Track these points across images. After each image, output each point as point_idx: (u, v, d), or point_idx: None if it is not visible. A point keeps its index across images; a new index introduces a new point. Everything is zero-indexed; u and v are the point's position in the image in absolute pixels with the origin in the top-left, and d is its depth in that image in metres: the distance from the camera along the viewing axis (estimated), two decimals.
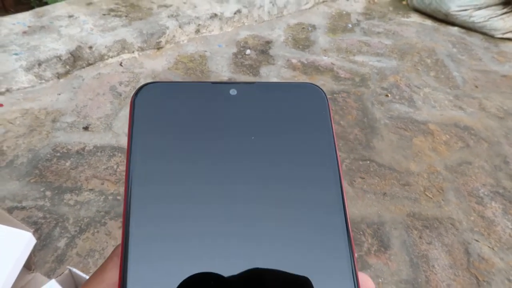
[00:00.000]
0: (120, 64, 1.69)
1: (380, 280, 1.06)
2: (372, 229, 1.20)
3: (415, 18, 2.61)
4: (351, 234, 0.17)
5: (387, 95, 1.80)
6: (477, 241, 1.20)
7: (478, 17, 2.40)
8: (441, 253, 1.15)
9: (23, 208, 1.09)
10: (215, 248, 0.16)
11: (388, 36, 2.33)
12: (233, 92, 0.19)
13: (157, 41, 1.79)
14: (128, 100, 1.50)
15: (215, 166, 0.17)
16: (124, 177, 1.15)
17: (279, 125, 0.19)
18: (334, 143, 0.19)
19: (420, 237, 1.19)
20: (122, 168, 1.24)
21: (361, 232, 1.18)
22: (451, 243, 1.19)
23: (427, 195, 1.33)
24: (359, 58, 2.06)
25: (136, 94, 0.19)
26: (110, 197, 1.15)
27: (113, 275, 0.17)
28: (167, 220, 0.17)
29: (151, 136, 0.18)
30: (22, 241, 0.88)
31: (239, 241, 0.16)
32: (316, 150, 0.19)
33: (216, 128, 0.18)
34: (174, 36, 1.86)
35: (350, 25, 2.40)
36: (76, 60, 1.59)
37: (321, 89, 0.21)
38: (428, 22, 2.57)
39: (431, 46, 2.27)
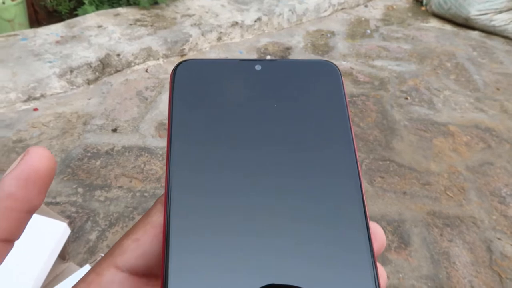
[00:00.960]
0: (146, 71, 1.77)
1: (400, 275, 1.07)
2: (392, 226, 1.21)
3: (434, 23, 2.62)
4: (368, 219, 0.19)
5: (406, 98, 1.81)
6: (499, 239, 1.19)
7: (499, 20, 2.39)
8: (463, 251, 1.15)
9: (57, 203, 1.15)
10: (246, 220, 0.17)
11: (407, 41, 2.35)
12: (258, 67, 0.22)
13: (181, 48, 1.87)
14: (154, 104, 1.57)
15: (247, 138, 0.20)
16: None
17: (297, 97, 0.21)
18: (348, 114, 0.21)
19: (441, 235, 1.19)
20: (149, 167, 1.30)
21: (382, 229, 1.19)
22: (473, 241, 1.19)
23: (448, 194, 1.33)
24: (378, 63, 2.08)
25: (174, 71, 0.21)
26: (137, 194, 1.20)
27: (157, 218, 0.19)
28: (206, 179, 0.18)
29: (190, 109, 0.20)
30: (58, 230, 0.93)
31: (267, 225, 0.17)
32: (330, 120, 0.21)
33: (245, 100, 0.21)
34: (197, 43, 1.93)
35: (369, 31, 2.43)
36: (105, 67, 1.67)
37: (335, 65, 0.24)
38: (448, 27, 2.57)
39: (451, 50, 2.27)
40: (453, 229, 1.21)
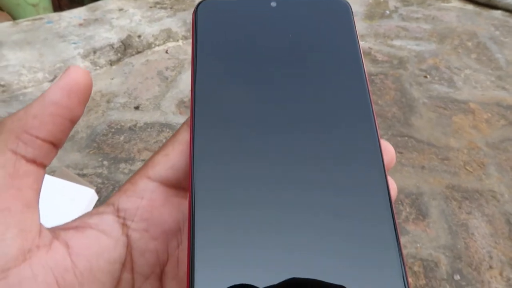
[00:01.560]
0: (166, 52, 1.80)
1: (418, 245, 1.09)
2: (410, 199, 1.22)
3: (455, 3, 2.57)
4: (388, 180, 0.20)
5: (425, 76, 1.80)
6: None
7: None
8: (481, 223, 1.16)
9: (84, 175, 1.20)
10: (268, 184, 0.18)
11: (427, 21, 2.31)
12: (273, 4, 0.23)
13: None
14: (174, 83, 1.61)
15: (266, 79, 0.21)
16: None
17: (310, 33, 0.22)
18: (359, 49, 0.22)
19: (460, 207, 1.20)
20: None
21: (399, 202, 1.20)
22: (492, 213, 1.18)
23: (467, 169, 1.33)
24: (397, 43, 2.06)
25: (196, 10, 0.22)
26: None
27: (184, 136, 0.21)
28: (229, 108, 0.20)
29: (212, 47, 0.21)
30: (86, 196, 0.98)
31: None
32: (343, 56, 0.22)
33: (263, 38, 0.22)
34: None
35: (387, 12, 2.40)
36: (126, 48, 1.71)
37: (347, 2, 0.25)
38: (469, 7, 2.52)
39: (472, 30, 2.23)
40: (472, 202, 1.22)
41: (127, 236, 0.18)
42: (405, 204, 1.20)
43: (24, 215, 0.15)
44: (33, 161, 0.16)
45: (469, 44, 2.09)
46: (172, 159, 0.20)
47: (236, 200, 0.17)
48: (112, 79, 1.62)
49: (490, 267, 1.04)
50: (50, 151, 0.17)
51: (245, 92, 0.20)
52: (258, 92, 0.20)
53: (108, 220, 0.18)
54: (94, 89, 1.56)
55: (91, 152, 1.28)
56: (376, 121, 0.21)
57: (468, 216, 1.17)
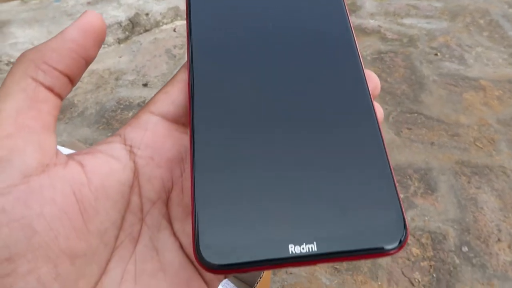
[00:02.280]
0: (174, 30, 1.79)
1: (426, 218, 1.09)
2: (419, 174, 1.21)
3: None
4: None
5: (436, 54, 1.77)
6: None
7: None
8: (491, 197, 1.15)
9: None
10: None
11: None
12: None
13: None
14: (183, 61, 1.60)
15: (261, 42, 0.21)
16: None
17: (301, 8, 0.23)
18: (348, 16, 0.22)
19: (469, 182, 1.19)
20: None
21: (407, 177, 1.20)
22: (502, 188, 1.18)
23: (477, 145, 1.32)
24: (407, 21, 2.03)
25: None
26: None
27: (184, 76, 0.21)
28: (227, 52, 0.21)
29: (207, 18, 0.22)
30: None
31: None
32: (332, 22, 0.22)
33: (255, 13, 0.22)
34: None
35: None
36: (134, 26, 1.71)
37: None
38: None
39: (485, 7, 2.19)
40: (481, 177, 1.21)
41: (134, 162, 0.19)
42: (414, 179, 1.19)
43: (42, 136, 0.16)
44: (51, 89, 0.17)
45: (481, 21, 2.05)
46: (172, 95, 0.21)
47: (233, 130, 0.19)
48: (120, 57, 1.62)
49: (499, 240, 1.04)
50: (66, 84, 0.18)
51: (240, 46, 0.21)
52: (253, 48, 0.21)
53: (116, 147, 0.19)
54: (102, 66, 1.57)
55: (100, 128, 1.29)
56: (359, 54, 0.21)
57: (477, 191, 1.17)
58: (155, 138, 0.20)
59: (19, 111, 0.16)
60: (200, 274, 0.18)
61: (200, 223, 0.16)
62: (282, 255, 0.16)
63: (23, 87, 0.16)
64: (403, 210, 0.17)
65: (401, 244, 0.16)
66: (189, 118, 0.19)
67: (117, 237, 0.18)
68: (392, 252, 0.16)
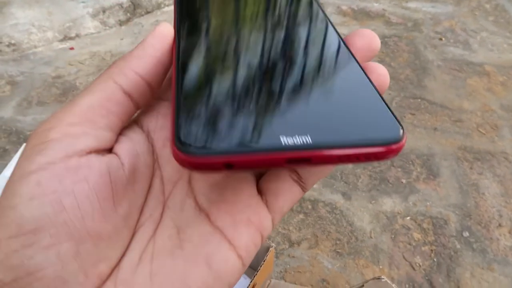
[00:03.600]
0: None
1: (428, 203, 1.09)
2: (421, 160, 1.21)
3: None
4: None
5: (441, 39, 1.75)
6: None
7: None
8: (492, 183, 1.16)
9: None
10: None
11: None
12: None
13: None
14: None
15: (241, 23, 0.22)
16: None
17: None
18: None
19: (471, 168, 1.19)
20: None
21: (410, 162, 1.20)
22: (503, 174, 1.18)
23: (480, 131, 1.32)
24: (412, 5, 2.01)
25: None
26: None
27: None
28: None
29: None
30: None
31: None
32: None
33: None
34: None
35: None
36: (136, 8, 1.68)
37: None
38: None
39: None
40: (483, 163, 1.21)
41: (153, 146, 0.20)
42: (416, 164, 1.20)
43: (102, 132, 0.17)
44: (129, 95, 0.18)
45: (487, 6, 2.03)
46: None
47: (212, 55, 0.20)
48: (122, 39, 1.61)
49: (500, 225, 1.05)
50: (145, 91, 0.19)
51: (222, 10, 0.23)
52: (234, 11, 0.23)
53: (135, 131, 0.20)
54: (104, 49, 1.55)
55: None
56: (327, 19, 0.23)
57: (479, 177, 1.17)
58: (168, 120, 0.20)
59: (90, 107, 0.17)
60: (230, 245, 0.18)
61: (181, 113, 0.16)
62: (273, 145, 0.15)
63: (103, 87, 0.18)
64: (394, 114, 0.17)
65: (399, 141, 0.16)
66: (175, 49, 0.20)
67: (138, 220, 0.18)
68: (391, 148, 0.16)
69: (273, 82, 0.18)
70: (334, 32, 0.22)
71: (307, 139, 0.15)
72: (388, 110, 0.17)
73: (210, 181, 0.19)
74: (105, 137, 0.17)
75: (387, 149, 0.15)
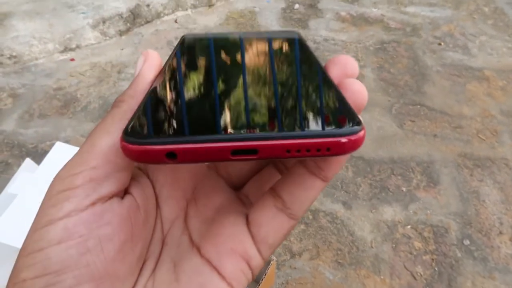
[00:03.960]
0: (175, 21, 1.78)
1: (428, 212, 1.10)
2: (421, 167, 1.22)
3: None
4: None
5: (440, 44, 1.76)
6: None
7: None
8: (493, 190, 1.16)
9: None
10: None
11: None
12: (242, 35, 0.26)
13: None
14: None
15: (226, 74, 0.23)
16: None
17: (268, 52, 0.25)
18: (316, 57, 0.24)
19: (471, 175, 1.20)
20: None
21: (410, 169, 1.21)
22: (504, 181, 1.18)
23: (480, 137, 1.32)
24: (410, 9, 2.01)
25: (180, 42, 0.26)
26: None
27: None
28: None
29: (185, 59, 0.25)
30: None
31: None
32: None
33: (229, 58, 0.24)
34: None
35: None
36: (135, 17, 1.69)
37: (298, 33, 0.27)
38: None
39: None
40: (483, 170, 1.21)
41: (153, 187, 0.21)
42: (416, 171, 1.20)
43: (123, 173, 0.18)
44: None
45: (486, 9, 2.03)
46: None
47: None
48: (122, 49, 1.62)
49: (500, 232, 1.05)
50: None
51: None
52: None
53: (140, 175, 0.21)
54: (104, 59, 1.56)
55: None
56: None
57: (479, 184, 1.17)
58: (170, 166, 0.22)
59: (111, 148, 0.18)
60: (219, 275, 0.19)
61: (133, 116, 0.17)
62: (218, 136, 0.16)
63: (120, 127, 0.18)
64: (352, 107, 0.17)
65: (354, 133, 0.16)
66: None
67: (145, 258, 0.20)
68: (349, 139, 0.16)
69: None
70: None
71: (254, 131, 0.16)
72: (346, 103, 0.17)
73: (202, 217, 0.21)
74: (124, 178, 0.18)
75: (337, 141, 0.15)
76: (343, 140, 0.15)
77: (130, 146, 0.15)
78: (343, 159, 0.18)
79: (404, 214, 1.09)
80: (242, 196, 0.22)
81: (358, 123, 0.16)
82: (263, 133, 0.16)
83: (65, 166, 0.18)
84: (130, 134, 0.16)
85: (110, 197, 0.17)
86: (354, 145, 0.16)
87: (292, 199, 0.19)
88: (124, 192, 0.19)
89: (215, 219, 0.20)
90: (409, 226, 1.06)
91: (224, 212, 0.20)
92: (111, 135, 0.18)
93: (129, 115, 0.19)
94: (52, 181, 0.17)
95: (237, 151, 0.15)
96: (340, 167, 0.18)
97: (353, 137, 0.16)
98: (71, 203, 0.16)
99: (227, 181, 0.23)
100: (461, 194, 1.14)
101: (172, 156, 0.15)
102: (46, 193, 0.17)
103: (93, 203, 0.17)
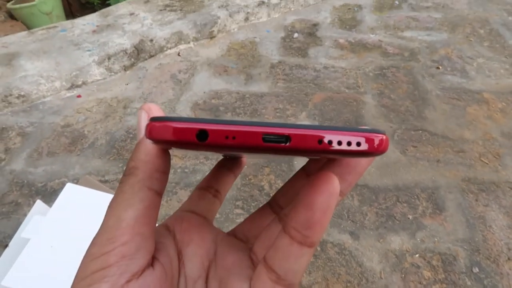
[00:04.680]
0: (178, 54, 1.82)
1: (436, 239, 1.10)
2: (426, 193, 1.23)
3: None
4: None
5: (438, 68, 1.79)
6: None
7: None
8: (499, 215, 1.16)
9: (106, 181, 1.24)
10: None
11: (438, 10, 2.29)
12: None
13: (210, 30, 1.91)
14: (188, 86, 1.63)
15: None
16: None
17: None
18: None
19: (476, 200, 1.20)
20: None
21: (415, 196, 1.22)
22: (509, 205, 1.19)
23: (482, 161, 1.33)
24: (407, 34, 2.05)
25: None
26: (178, 170, 1.28)
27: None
28: None
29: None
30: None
31: None
32: None
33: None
34: (225, 25, 1.97)
35: (397, 2, 2.38)
36: (139, 52, 1.74)
37: None
38: None
39: (484, 16, 2.20)
40: (488, 194, 1.22)
41: (177, 246, 0.23)
42: (421, 198, 1.21)
43: (150, 242, 0.19)
44: (159, 193, 0.20)
45: (481, 31, 2.07)
46: (189, 199, 0.27)
47: None
48: (127, 84, 1.65)
49: (509, 258, 1.05)
50: (166, 181, 0.21)
51: None
52: None
53: (164, 235, 0.23)
54: (110, 95, 1.60)
55: (111, 158, 1.32)
56: None
57: (485, 209, 1.18)
58: (190, 226, 0.24)
59: (137, 220, 0.19)
60: None
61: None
62: (250, 121, 0.15)
63: (141, 197, 0.19)
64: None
65: (383, 133, 0.17)
66: None
67: None
68: (377, 136, 0.16)
69: None
70: None
71: (286, 124, 0.16)
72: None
73: (218, 278, 0.22)
74: (151, 246, 0.19)
75: (368, 136, 0.16)
76: (372, 136, 0.16)
77: (162, 123, 0.15)
78: (326, 221, 0.18)
79: (411, 242, 1.09)
80: (253, 256, 0.23)
81: (383, 131, 0.17)
82: (295, 123, 0.16)
83: (94, 243, 0.18)
84: (159, 118, 0.16)
85: (143, 270, 0.19)
86: (381, 145, 0.16)
87: (284, 271, 0.19)
88: (152, 259, 0.20)
89: (224, 282, 0.21)
90: (417, 255, 1.06)
91: (234, 274, 0.22)
92: (134, 207, 0.19)
93: (148, 183, 0.19)
94: (84, 259, 0.18)
95: (269, 138, 0.15)
96: (323, 230, 0.18)
97: (380, 136, 0.16)
98: (106, 283, 0.17)
99: (245, 243, 0.24)
100: (467, 220, 1.15)
101: (203, 137, 0.15)
102: (78, 271, 0.18)
103: (128, 281, 0.18)
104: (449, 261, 1.05)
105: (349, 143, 0.16)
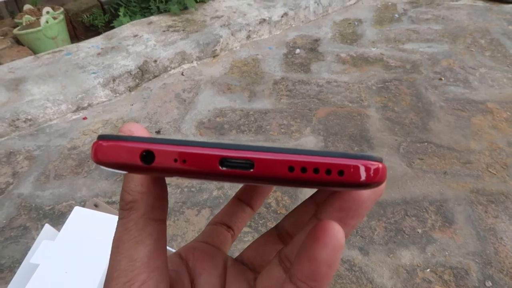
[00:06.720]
0: (182, 74, 1.85)
1: (446, 253, 1.09)
2: (434, 206, 1.22)
3: (465, 0, 2.56)
4: None
5: (440, 79, 1.80)
6: None
7: None
8: (509, 226, 1.15)
9: (113, 202, 1.24)
10: None
11: (438, 22, 2.31)
12: None
13: (213, 49, 1.93)
14: (192, 105, 1.64)
15: None
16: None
17: None
18: None
19: (486, 211, 1.19)
20: None
21: (424, 210, 1.21)
22: None
23: (490, 172, 1.32)
24: (408, 46, 2.07)
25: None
26: (185, 190, 1.28)
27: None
28: None
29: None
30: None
31: None
32: None
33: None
34: (227, 43, 1.99)
35: (397, 15, 2.41)
36: (144, 73, 1.76)
37: None
38: (480, 3, 2.50)
39: (485, 27, 2.22)
40: (498, 205, 1.21)
41: (190, 274, 0.23)
42: (430, 211, 1.20)
43: (165, 274, 0.20)
44: (163, 220, 0.20)
45: (482, 41, 2.08)
46: (202, 233, 0.27)
47: None
48: (132, 105, 1.67)
49: None
50: (167, 205, 0.22)
51: None
52: None
53: (177, 263, 0.23)
54: (115, 116, 1.61)
55: (118, 180, 1.32)
56: None
57: (495, 220, 1.17)
58: (202, 254, 0.24)
59: (150, 256, 0.18)
60: None
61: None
62: (206, 143, 0.12)
63: (149, 232, 0.19)
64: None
65: (374, 160, 0.13)
66: None
67: None
68: (366, 164, 0.13)
69: None
70: None
71: (251, 145, 0.13)
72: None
73: None
74: (168, 276, 0.19)
75: (351, 165, 0.12)
76: (359, 163, 0.13)
77: (104, 142, 0.13)
78: (332, 271, 0.16)
79: (422, 257, 1.08)
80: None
81: (377, 158, 0.13)
82: (261, 146, 0.13)
83: (111, 286, 0.18)
84: (104, 136, 0.13)
85: None
86: (373, 175, 0.13)
87: None
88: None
89: None
90: (428, 270, 1.05)
91: None
92: (144, 243, 0.18)
93: (151, 215, 0.18)
94: None
95: (228, 163, 0.13)
96: (330, 279, 0.17)
97: (371, 164, 0.13)
98: None
99: (251, 271, 0.24)
100: (477, 233, 1.13)
101: (148, 159, 0.13)
102: None
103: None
104: (461, 275, 1.03)
105: (328, 172, 0.13)
